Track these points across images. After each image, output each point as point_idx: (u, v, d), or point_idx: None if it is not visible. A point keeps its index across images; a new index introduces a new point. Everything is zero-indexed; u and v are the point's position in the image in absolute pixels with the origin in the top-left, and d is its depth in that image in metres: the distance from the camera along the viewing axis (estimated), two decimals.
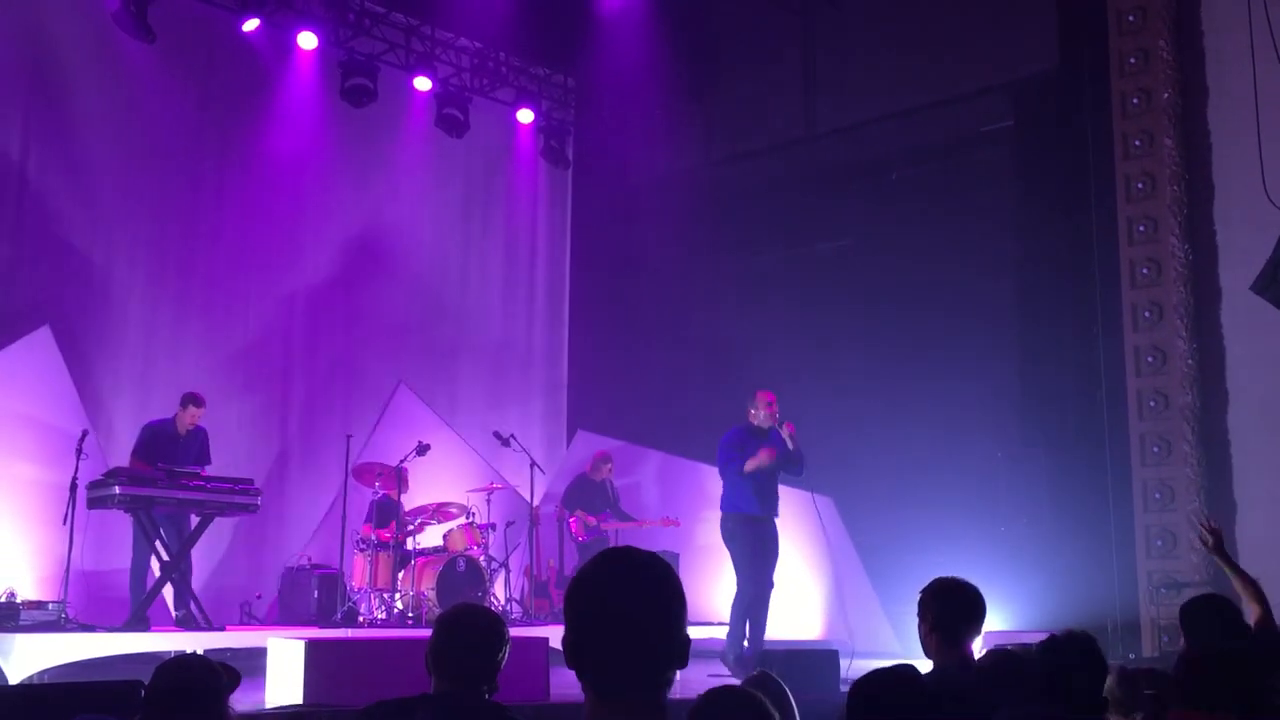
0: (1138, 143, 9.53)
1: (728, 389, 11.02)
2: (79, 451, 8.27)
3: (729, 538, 8.02)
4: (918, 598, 3.92)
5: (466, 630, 3.22)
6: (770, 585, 8.01)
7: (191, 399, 9.04)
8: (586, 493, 11.19)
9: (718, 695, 2.58)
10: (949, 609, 3.78)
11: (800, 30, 12.54)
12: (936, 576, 3.94)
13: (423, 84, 12.28)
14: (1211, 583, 8.57)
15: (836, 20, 12.24)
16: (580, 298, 13.89)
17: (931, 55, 11.14)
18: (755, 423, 8.22)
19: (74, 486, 8.14)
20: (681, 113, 13.02)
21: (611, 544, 10.81)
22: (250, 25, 11.05)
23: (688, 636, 1.94)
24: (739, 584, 7.96)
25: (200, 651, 6.52)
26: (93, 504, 8.20)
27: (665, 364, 12.13)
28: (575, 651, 1.92)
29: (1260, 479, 8.88)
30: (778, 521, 8.23)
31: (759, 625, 7.94)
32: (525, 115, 13.28)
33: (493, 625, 3.27)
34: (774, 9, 12.56)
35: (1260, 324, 8.69)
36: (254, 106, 11.41)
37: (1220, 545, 5.62)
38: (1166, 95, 9.44)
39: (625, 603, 1.91)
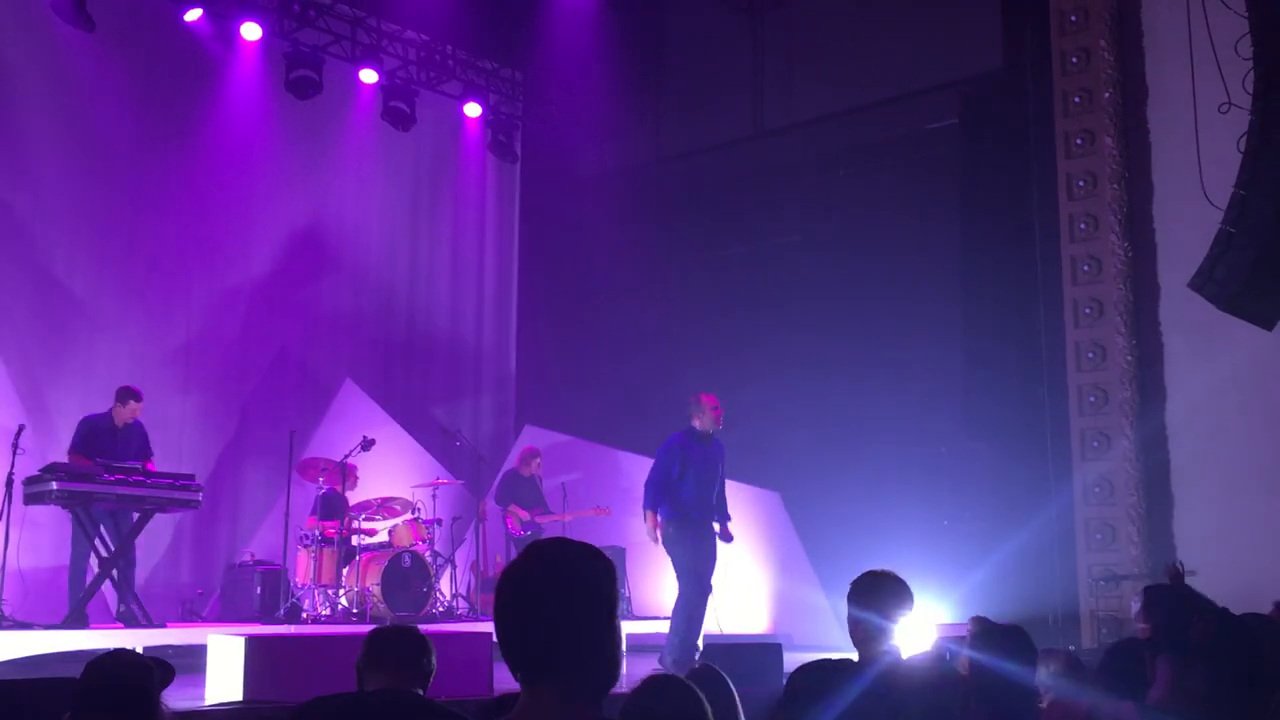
0: (1079, 141, 9.65)
1: (675, 384, 11.08)
2: (15, 447, 8.13)
3: (670, 542, 7.95)
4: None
5: (391, 654, 3.21)
6: (709, 589, 7.99)
7: (130, 394, 8.89)
8: (518, 488, 11.20)
9: (654, 683, 2.60)
10: (873, 599, 3.82)
11: (749, 29, 12.59)
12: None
13: (369, 76, 12.17)
14: (1149, 576, 8.71)
15: (784, 19, 12.31)
16: (528, 293, 13.85)
17: (878, 54, 11.24)
18: (699, 427, 8.15)
19: (10, 482, 8.01)
20: (630, 109, 13.02)
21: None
22: (192, 15, 10.89)
23: (617, 627, 1.93)
24: (681, 588, 7.92)
25: (140, 649, 6.44)
26: (29, 500, 8.07)
27: (613, 359, 12.15)
28: (506, 644, 1.91)
29: (1197, 473, 9.03)
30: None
31: (697, 628, 7.92)
32: (473, 109, 13.20)
33: (419, 646, 3.26)
34: (723, 7, 12.60)
35: (1198, 321, 8.83)
36: (197, 98, 11.26)
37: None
38: (1107, 94, 9.58)
39: (551, 593, 1.90)
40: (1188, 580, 6.09)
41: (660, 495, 7.99)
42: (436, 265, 13.30)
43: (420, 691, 3.17)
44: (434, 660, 3.23)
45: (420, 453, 11.82)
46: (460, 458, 11.53)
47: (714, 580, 8.08)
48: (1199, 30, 8.95)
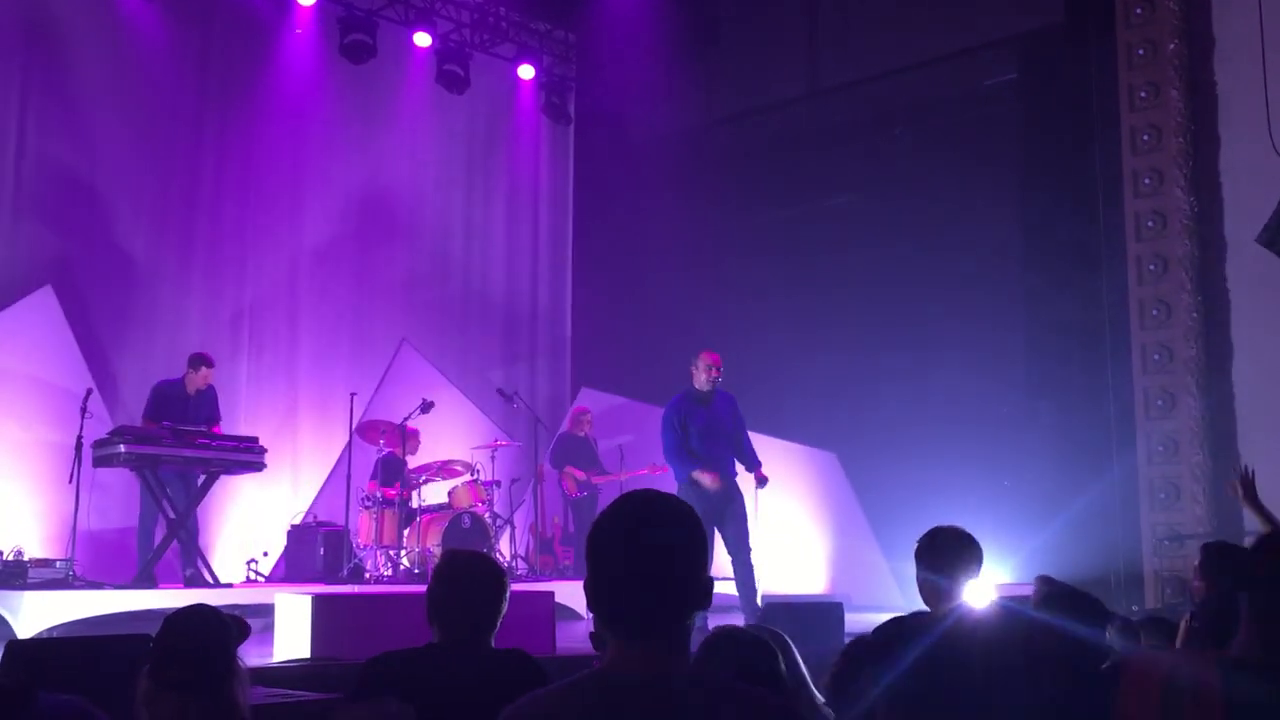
0: (1143, 94, 9.46)
1: (730, 344, 11.03)
2: (84, 410, 8.28)
3: None
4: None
5: (465, 580, 3.22)
6: (746, 549, 7.85)
7: (202, 360, 9.02)
8: (572, 449, 11.25)
9: (725, 632, 2.62)
10: (943, 556, 3.80)
11: None
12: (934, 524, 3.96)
13: (423, 40, 12.18)
14: (1215, 534, 8.60)
15: None
16: (583, 254, 13.85)
17: (935, 9, 11.05)
18: (697, 386, 8.00)
19: (79, 445, 8.16)
20: (684, 68, 12.92)
21: (602, 499, 10.87)
22: None
23: (710, 578, 1.94)
24: None
25: None
26: (98, 463, 8.22)
27: (668, 320, 12.10)
28: (597, 595, 1.92)
29: (1264, 432, 8.87)
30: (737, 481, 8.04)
31: (747, 585, 7.86)
32: (526, 71, 13.18)
33: (491, 571, 3.27)
34: None
35: (1265, 276, 8.67)
36: (253, 63, 11.34)
37: (1252, 493, 5.51)
38: (1172, 46, 9.35)
39: (646, 544, 1.90)
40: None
41: (681, 459, 7.85)
42: (491, 228, 13.33)
43: (489, 636, 3.19)
44: (502, 601, 3.24)
45: (478, 415, 11.90)
46: (518, 420, 11.59)
47: (753, 541, 7.93)
48: None
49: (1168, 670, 2.36)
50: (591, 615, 1.94)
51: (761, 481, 8.04)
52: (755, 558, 7.90)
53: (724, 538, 7.85)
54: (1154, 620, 4.17)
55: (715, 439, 7.96)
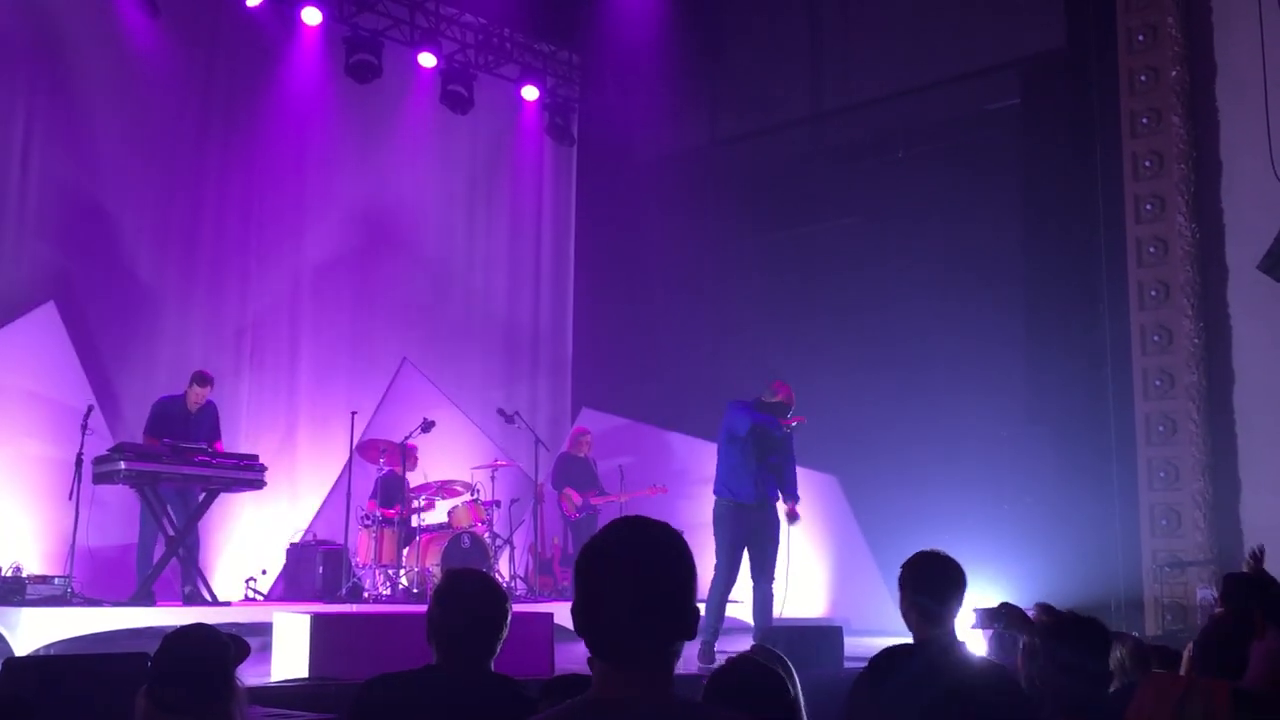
0: (1145, 120, 9.48)
1: (732, 366, 11.06)
2: (84, 427, 8.28)
3: (716, 522, 7.86)
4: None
5: (464, 599, 3.20)
6: (769, 576, 7.81)
7: (198, 378, 9.03)
8: (572, 470, 11.24)
9: (738, 664, 2.61)
10: (927, 582, 3.76)
11: (806, 8, 12.49)
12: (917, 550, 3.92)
13: (427, 60, 12.23)
14: (1215, 561, 8.60)
15: None
16: (585, 275, 13.86)
17: (938, 33, 11.09)
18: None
19: (79, 462, 8.15)
20: (687, 90, 12.96)
21: (602, 520, 10.85)
22: (254, 0, 10.98)
23: (697, 608, 1.94)
24: (716, 569, 7.81)
25: None
26: (98, 479, 8.22)
27: (670, 341, 12.13)
28: (585, 620, 1.91)
29: (1266, 458, 8.87)
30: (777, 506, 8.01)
31: (721, 613, 7.84)
32: (530, 92, 13.21)
33: (493, 593, 3.25)
34: None
35: (1267, 303, 8.68)
36: (259, 83, 11.36)
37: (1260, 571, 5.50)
38: (1174, 72, 9.39)
39: (635, 571, 1.90)
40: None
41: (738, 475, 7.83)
42: (494, 248, 13.34)
43: (489, 660, 3.17)
44: (503, 622, 3.20)
45: (478, 435, 11.89)
46: (518, 440, 11.58)
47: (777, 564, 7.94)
48: (1269, 4, 8.78)
49: (1182, 694, 2.36)
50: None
51: (792, 517, 8.02)
52: (777, 586, 7.87)
53: (750, 559, 7.84)
54: (1158, 649, 4.15)
55: (766, 459, 7.94)
